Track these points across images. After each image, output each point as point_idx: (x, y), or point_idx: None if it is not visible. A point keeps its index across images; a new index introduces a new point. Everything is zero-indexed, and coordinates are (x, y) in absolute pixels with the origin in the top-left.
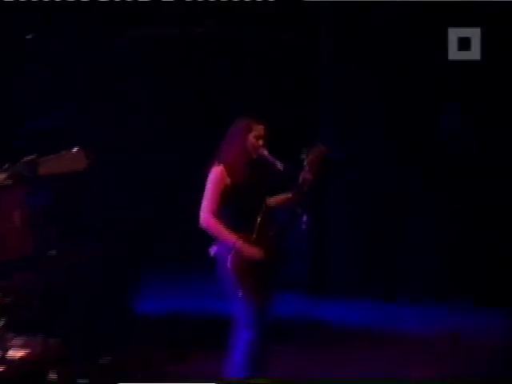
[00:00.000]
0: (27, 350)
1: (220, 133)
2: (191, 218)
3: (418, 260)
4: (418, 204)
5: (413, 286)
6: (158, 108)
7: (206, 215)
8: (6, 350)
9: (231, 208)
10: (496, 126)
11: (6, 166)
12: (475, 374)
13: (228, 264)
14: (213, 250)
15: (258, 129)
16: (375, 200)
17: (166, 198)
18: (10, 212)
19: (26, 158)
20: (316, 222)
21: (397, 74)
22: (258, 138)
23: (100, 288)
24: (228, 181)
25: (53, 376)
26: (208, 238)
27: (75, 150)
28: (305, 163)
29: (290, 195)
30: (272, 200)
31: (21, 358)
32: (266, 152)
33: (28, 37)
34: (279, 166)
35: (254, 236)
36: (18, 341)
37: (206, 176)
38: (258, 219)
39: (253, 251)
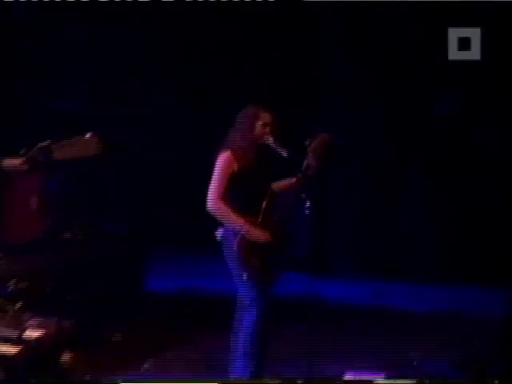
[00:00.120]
0: (42, 331)
1: (225, 122)
2: (200, 201)
3: (416, 240)
4: (416, 188)
5: (411, 266)
6: (169, 99)
7: (213, 199)
8: (23, 330)
9: (238, 192)
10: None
11: (22, 151)
12: (473, 352)
13: (234, 246)
14: (219, 233)
15: (265, 117)
16: (375, 185)
17: (176, 181)
18: (27, 196)
19: (40, 144)
20: (318, 206)
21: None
22: (264, 125)
23: (112, 267)
24: (235, 166)
25: (66, 357)
26: (215, 221)
27: (88, 135)
28: (309, 150)
29: (294, 180)
30: (277, 185)
31: (36, 338)
32: (271, 139)
33: None
34: (284, 152)
35: (260, 219)
36: (34, 321)
37: (213, 161)
38: (264, 203)
39: (258, 234)
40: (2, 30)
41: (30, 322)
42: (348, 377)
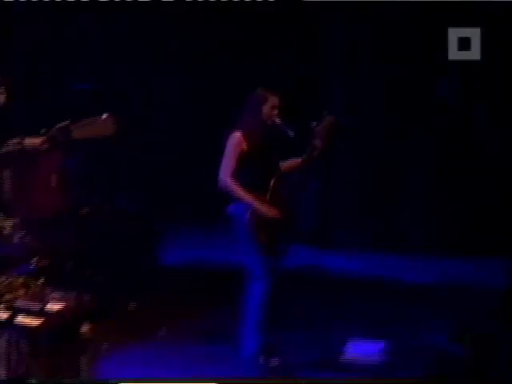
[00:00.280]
0: (63, 304)
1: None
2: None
3: (417, 214)
4: (417, 163)
5: (412, 239)
6: (183, 82)
7: (224, 177)
8: (45, 304)
9: (247, 170)
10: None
11: (43, 131)
12: (471, 323)
13: (245, 221)
14: (230, 209)
15: (273, 99)
16: (375, 165)
17: (190, 159)
18: (47, 174)
19: (60, 124)
20: (323, 183)
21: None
22: (272, 107)
23: (127, 243)
24: (245, 146)
25: (85, 328)
26: (226, 197)
27: (105, 116)
28: (315, 131)
29: (301, 160)
30: (284, 164)
31: (57, 311)
32: (279, 120)
33: None
34: (291, 133)
35: (268, 197)
36: (55, 295)
37: (224, 141)
38: (272, 182)
39: (267, 210)
40: (26, 17)
41: (52, 296)
42: (350, 346)
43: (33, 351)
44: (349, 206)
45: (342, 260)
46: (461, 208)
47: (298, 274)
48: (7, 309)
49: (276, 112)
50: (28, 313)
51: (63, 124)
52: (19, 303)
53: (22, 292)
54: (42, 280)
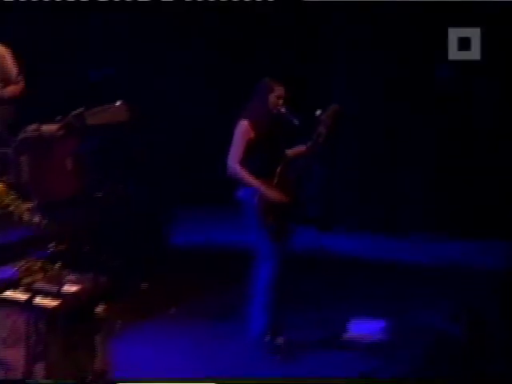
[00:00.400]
0: (79, 286)
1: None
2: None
3: (416, 196)
4: (415, 149)
5: (411, 221)
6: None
7: (233, 164)
8: (62, 286)
9: (255, 157)
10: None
11: (59, 118)
12: (469, 304)
13: (253, 205)
14: (239, 193)
15: (279, 89)
16: (375, 151)
17: (204, 147)
18: (63, 159)
19: (75, 111)
20: (327, 168)
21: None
22: (278, 97)
23: (139, 225)
24: (252, 134)
25: (100, 309)
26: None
27: (118, 103)
28: (320, 119)
29: (306, 147)
30: (290, 151)
31: (74, 293)
32: (284, 109)
33: None
34: (296, 121)
35: (275, 182)
36: (71, 277)
37: (233, 130)
38: (279, 168)
39: (274, 194)
40: (41, 7)
41: (68, 278)
42: (352, 325)
43: (50, 331)
44: (351, 190)
45: (344, 242)
46: (460, 191)
47: (302, 255)
48: (26, 291)
49: (281, 101)
50: (46, 294)
51: (78, 111)
52: (38, 285)
53: (40, 275)
54: (59, 264)
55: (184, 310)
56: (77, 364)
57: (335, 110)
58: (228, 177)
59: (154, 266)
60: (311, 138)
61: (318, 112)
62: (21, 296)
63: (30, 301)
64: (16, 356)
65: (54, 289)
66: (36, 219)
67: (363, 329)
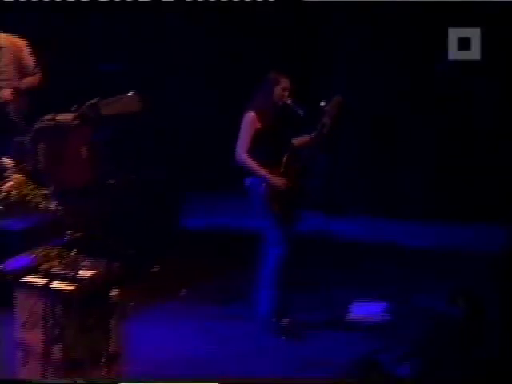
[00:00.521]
0: (94, 271)
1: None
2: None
3: (417, 181)
4: (416, 134)
5: (412, 205)
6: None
7: (240, 153)
8: (78, 271)
9: (262, 147)
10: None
11: (74, 108)
12: (468, 287)
13: (260, 193)
14: (248, 181)
15: (284, 82)
16: (376, 139)
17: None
18: (78, 148)
19: (89, 101)
20: (331, 156)
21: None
22: (284, 89)
23: (152, 210)
24: (258, 125)
25: (114, 293)
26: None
27: (131, 93)
28: (324, 110)
29: (311, 137)
30: (296, 141)
31: (89, 278)
32: (290, 101)
33: None
34: (301, 112)
35: (282, 170)
36: (87, 263)
37: (240, 120)
38: (285, 157)
39: (281, 182)
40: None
41: (83, 264)
42: (355, 306)
43: (67, 314)
44: (355, 176)
45: (347, 225)
46: (461, 174)
47: (307, 238)
48: (44, 276)
49: (287, 93)
50: (62, 279)
51: (93, 101)
52: (55, 271)
53: (56, 262)
54: (74, 251)
55: (194, 292)
56: (92, 345)
57: (339, 102)
58: (236, 165)
59: (166, 250)
60: (316, 128)
61: (323, 103)
62: (39, 281)
63: (47, 285)
64: (35, 338)
65: (70, 274)
66: (52, 206)
67: (365, 310)
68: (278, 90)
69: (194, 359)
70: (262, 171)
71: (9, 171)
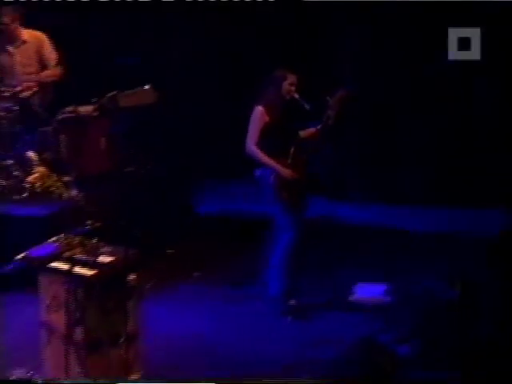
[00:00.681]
0: (113, 257)
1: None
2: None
3: (418, 169)
4: (417, 124)
5: (413, 191)
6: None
7: (250, 145)
8: (97, 256)
9: (270, 139)
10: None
11: (94, 100)
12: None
13: (270, 183)
14: (258, 172)
15: (292, 77)
16: (379, 125)
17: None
18: (97, 138)
19: (108, 94)
20: (336, 147)
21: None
22: (291, 84)
23: (167, 196)
24: (267, 118)
25: (132, 278)
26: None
27: (147, 86)
28: (329, 103)
29: (317, 129)
30: (303, 133)
31: (109, 263)
32: (297, 95)
33: None
34: (307, 106)
35: (289, 161)
36: (106, 249)
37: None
38: (292, 148)
39: (289, 172)
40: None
41: (104, 250)
42: (358, 288)
43: (88, 297)
44: (359, 164)
45: (351, 210)
46: (461, 160)
47: (313, 224)
48: (67, 262)
49: (294, 88)
50: (84, 265)
51: (111, 94)
52: (77, 257)
53: (78, 249)
54: (95, 239)
55: (208, 270)
56: (111, 327)
57: (343, 95)
58: (247, 157)
59: (180, 233)
60: (321, 120)
61: (328, 97)
62: (62, 266)
63: (69, 270)
64: (58, 320)
65: (91, 260)
66: (73, 193)
67: (368, 292)
68: (285, 86)
69: (207, 336)
70: (270, 162)
71: (33, 164)
